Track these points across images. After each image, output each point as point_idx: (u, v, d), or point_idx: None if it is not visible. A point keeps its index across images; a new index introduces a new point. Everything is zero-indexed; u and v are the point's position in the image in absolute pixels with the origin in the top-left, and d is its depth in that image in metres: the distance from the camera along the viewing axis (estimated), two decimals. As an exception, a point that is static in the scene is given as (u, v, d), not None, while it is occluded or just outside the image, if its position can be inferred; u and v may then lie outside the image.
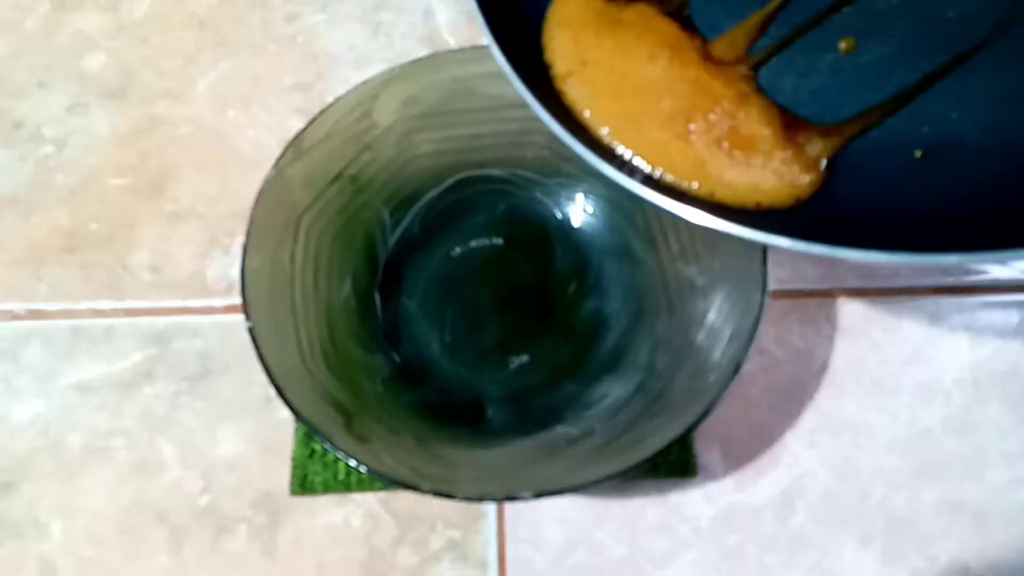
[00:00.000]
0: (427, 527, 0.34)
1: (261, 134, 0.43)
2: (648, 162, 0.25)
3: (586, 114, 0.25)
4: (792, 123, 0.26)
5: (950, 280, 0.39)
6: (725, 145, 0.25)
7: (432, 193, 0.38)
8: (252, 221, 0.31)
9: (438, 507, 0.34)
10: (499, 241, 0.38)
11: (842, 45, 0.27)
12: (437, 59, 0.34)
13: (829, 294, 0.39)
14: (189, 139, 0.43)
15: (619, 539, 0.34)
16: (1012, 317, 0.38)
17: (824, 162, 0.25)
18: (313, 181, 0.34)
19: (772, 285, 0.29)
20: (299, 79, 0.45)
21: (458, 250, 0.38)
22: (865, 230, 0.23)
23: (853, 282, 0.39)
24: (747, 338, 0.29)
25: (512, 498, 0.26)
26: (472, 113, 0.36)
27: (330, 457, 0.35)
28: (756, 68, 0.27)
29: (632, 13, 0.27)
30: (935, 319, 0.38)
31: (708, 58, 0.26)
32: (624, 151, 0.25)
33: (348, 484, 0.34)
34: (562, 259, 0.38)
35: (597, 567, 0.33)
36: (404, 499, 0.35)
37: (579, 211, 0.38)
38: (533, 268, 0.38)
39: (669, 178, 0.24)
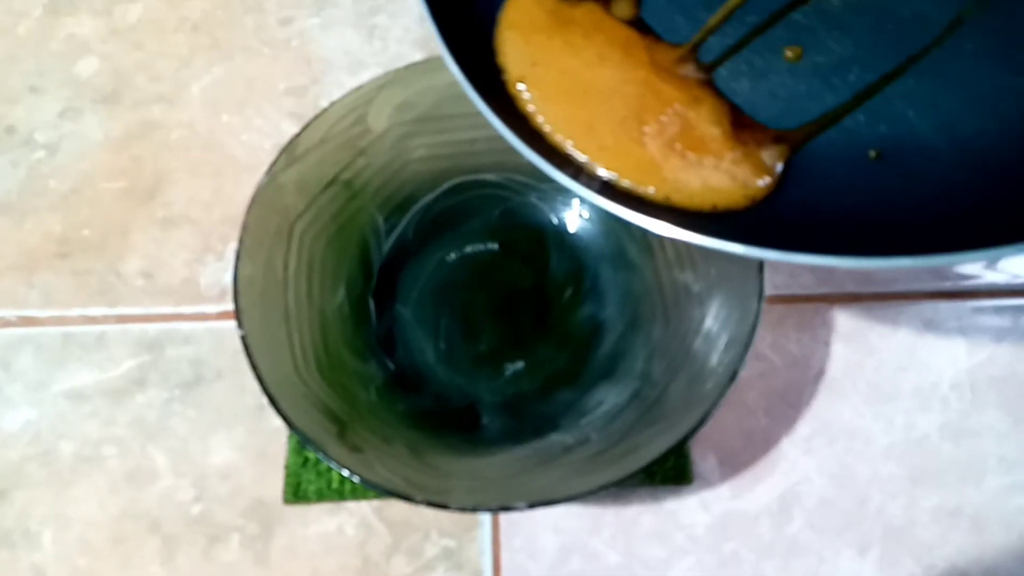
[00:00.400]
0: (421, 536, 0.34)
1: (255, 139, 0.43)
2: (603, 167, 0.24)
3: (539, 120, 0.25)
4: (744, 123, 0.25)
5: (947, 285, 0.39)
6: (678, 147, 0.24)
7: (427, 198, 0.37)
8: (245, 227, 0.31)
9: (433, 516, 0.34)
10: (494, 247, 0.38)
11: (788, 54, 0.26)
12: (432, 64, 0.34)
13: (825, 299, 0.38)
14: (182, 144, 0.43)
15: (614, 547, 0.34)
16: (1009, 322, 0.38)
17: (779, 163, 0.25)
18: (307, 187, 0.34)
19: (768, 291, 0.29)
20: (293, 83, 0.44)
21: (453, 256, 0.38)
22: (824, 234, 0.23)
23: (850, 287, 0.39)
24: (744, 345, 0.29)
25: (506, 508, 0.26)
26: (467, 118, 0.35)
27: (324, 465, 0.34)
28: (711, 69, 0.26)
29: (583, 12, 0.27)
30: (932, 324, 0.38)
31: (659, 58, 0.26)
32: (579, 156, 0.24)
33: (342, 492, 0.34)
34: (558, 265, 0.37)
35: (592, 575, 0.33)
36: (398, 507, 0.34)
37: (575, 216, 0.38)
38: (528, 274, 0.38)
39: (625, 183, 0.24)
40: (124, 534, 0.34)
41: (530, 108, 0.25)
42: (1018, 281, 0.39)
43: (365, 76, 0.34)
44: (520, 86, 0.25)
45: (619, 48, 0.26)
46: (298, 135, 0.33)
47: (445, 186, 0.38)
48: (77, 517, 0.35)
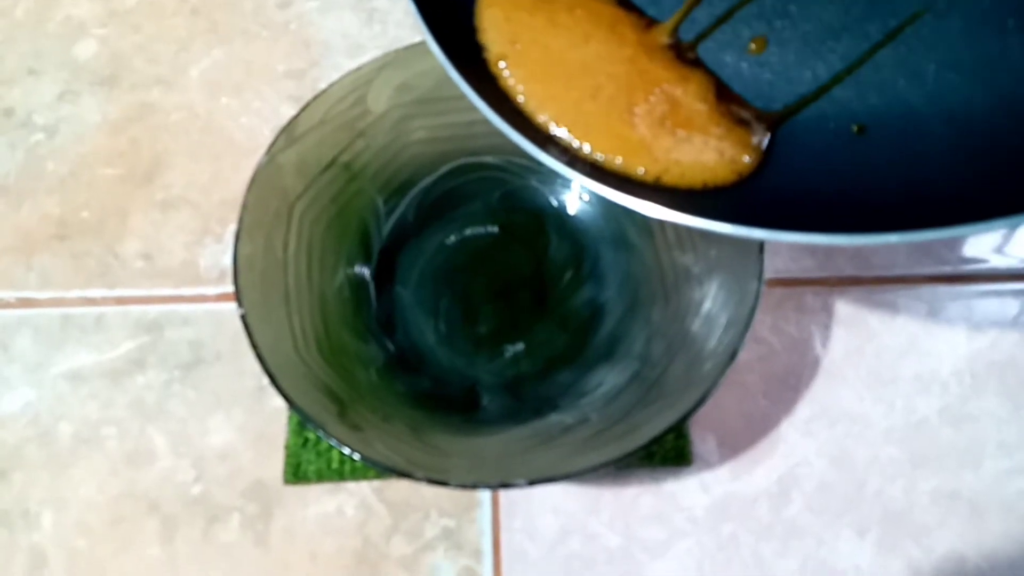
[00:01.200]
0: (421, 516, 0.34)
1: (254, 121, 0.43)
2: (590, 147, 0.24)
3: (520, 99, 0.24)
4: (730, 98, 0.25)
5: (947, 269, 0.39)
6: (666, 125, 0.24)
7: (426, 181, 0.37)
8: (244, 208, 0.31)
9: (432, 496, 0.34)
10: (494, 229, 0.38)
11: (776, 23, 0.26)
12: (431, 45, 0.34)
13: (826, 283, 0.38)
14: (181, 127, 0.43)
15: (613, 528, 0.34)
16: (1009, 307, 0.38)
17: (765, 138, 0.24)
18: (306, 168, 0.33)
19: (768, 274, 0.29)
20: (292, 66, 0.44)
21: (453, 238, 0.38)
22: (812, 210, 0.22)
23: (850, 271, 0.39)
24: (743, 326, 0.29)
25: (506, 485, 0.26)
26: (467, 100, 0.35)
27: (323, 446, 0.34)
28: (696, 43, 0.26)
29: None
30: (932, 308, 0.38)
31: (643, 35, 0.26)
32: (565, 137, 0.24)
33: (342, 473, 0.34)
34: (558, 247, 0.37)
35: (592, 556, 0.33)
36: (398, 488, 0.34)
37: (575, 199, 0.38)
38: (528, 256, 0.37)
39: (614, 164, 0.23)
40: (123, 515, 0.34)
41: (512, 87, 0.25)
42: (1019, 266, 0.39)
43: (364, 59, 0.34)
44: (501, 64, 0.25)
45: (603, 26, 0.26)
46: (297, 116, 0.33)
47: (445, 168, 0.37)
48: (76, 498, 0.35)
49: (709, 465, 0.35)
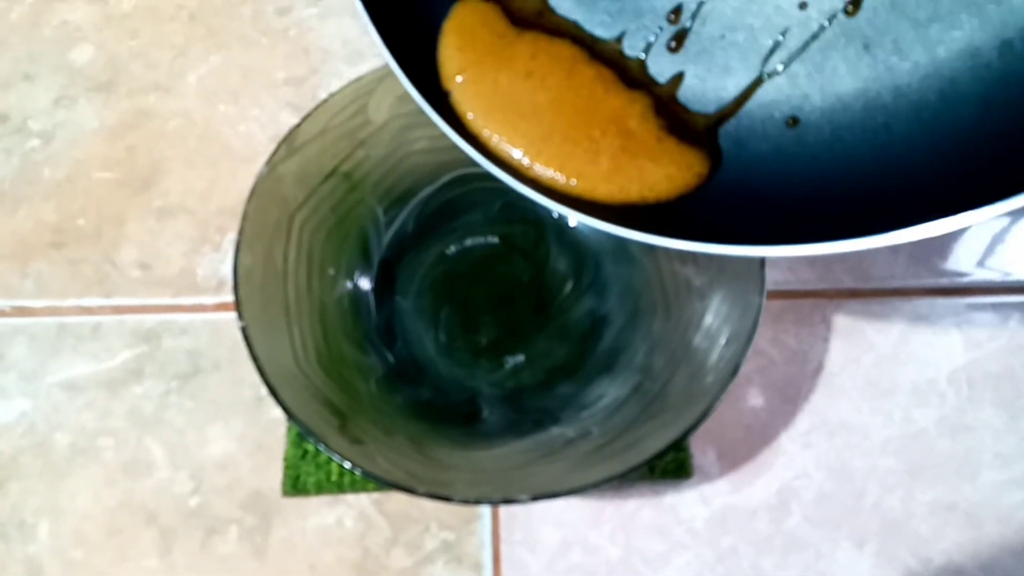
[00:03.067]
0: (421, 528, 0.34)
1: (252, 129, 0.43)
2: (530, 159, 0.24)
3: (469, 116, 0.25)
4: (673, 110, 0.25)
5: (943, 281, 0.39)
6: (606, 141, 0.24)
7: (427, 191, 0.37)
8: (245, 218, 0.31)
9: (432, 508, 0.34)
10: (494, 240, 0.38)
11: (673, 44, 0.26)
12: (433, 55, 0.34)
13: (824, 295, 0.38)
14: (179, 133, 0.43)
15: (614, 541, 0.34)
16: (1006, 318, 0.38)
17: (707, 149, 0.24)
18: (306, 178, 0.33)
19: (768, 286, 0.29)
20: (291, 73, 0.44)
21: (453, 248, 0.38)
22: (761, 219, 0.22)
23: (848, 283, 0.39)
24: (745, 340, 0.29)
25: (509, 501, 0.26)
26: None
27: (323, 458, 0.34)
28: (643, 59, 0.26)
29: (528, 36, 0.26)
30: (929, 320, 0.38)
31: (593, 63, 0.26)
32: (512, 153, 0.24)
33: (341, 485, 0.34)
34: (558, 258, 0.37)
35: (592, 569, 0.33)
36: (397, 500, 0.34)
37: (575, 210, 0.38)
38: (528, 267, 0.37)
39: (548, 173, 0.24)
40: (120, 526, 0.34)
41: (460, 104, 0.25)
42: (1012, 278, 0.39)
43: (364, 67, 0.34)
44: (458, 78, 0.25)
45: (554, 58, 0.26)
46: (298, 126, 0.32)
47: (445, 178, 0.37)
48: (73, 509, 0.34)
49: (709, 478, 0.35)
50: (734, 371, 0.28)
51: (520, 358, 0.36)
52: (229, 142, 0.42)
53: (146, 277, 0.39)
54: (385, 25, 0.25)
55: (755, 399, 0.36)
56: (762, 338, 0.37)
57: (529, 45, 0.25)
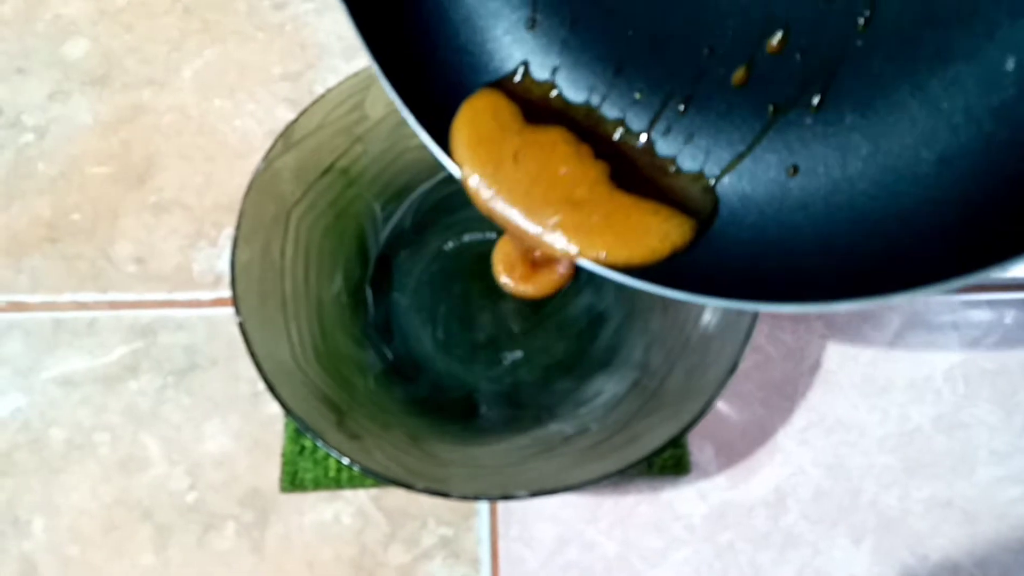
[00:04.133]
0: (419, 524, 0.34)
1: (248, 124, 0.43)
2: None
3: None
4: (668, 175, 0.25)
5: (940, 278, 0.39)
6: (605, 222, 0.24)
7: (424, 186, 0.37)
8: (242, 214, 0.30)
9: (430, 504, 0.34)
10: (492, 235, 0.38)
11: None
12: (431, 50, 0.33)
13: (821, 291, 0.38)
14: (174, 128, 0.42)
15: (611, 537, 0.34)
16: (1001, 316, 0.38)
17: (707, 205, 0.24)
18: (304, 174, 0.33)
19: (767, 283, 0.29)
20: (287, 68, 0.44)
21: (451, 244, 0.38)
22: (761, 276, 0.22)
23: (845, 280, 0.39)
24: (743, 337, 0.29)
25: (508, 497, 0.26)
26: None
27: (320, 453, 0.34)
28: (647, 131, 0.26)
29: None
30: (924, 317, 0.38)
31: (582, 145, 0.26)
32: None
33: (339, 481, 0.34)
34: (555, 254, 0.37)
35: (589, 565, 0.33)
36: (395, 496, 0.34)
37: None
38: (526, 263, 0.37)
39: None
40: (116, 522, 0.34)
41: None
42: (1007, 276, 0.39)
43: (360, 62, 0.34)
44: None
45: (538, 143, 0.26)
46: (295, 121, 0.32)
47: (442, 174, 0.37)
48: (68, 505, 0.34)
49: (707, 474, 0.35)
50: (732, 368, 0.28)
51: (518, 354, 0.36)
52: (225, 137, 0.42)
53: (142, 272, 0.39)
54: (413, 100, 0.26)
55: (752, 396, 0.36)
56: (759, 334, 0.37)
57: (523, 135, 0.26)
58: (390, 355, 0.35)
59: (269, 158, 0.32)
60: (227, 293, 0.38)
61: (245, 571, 0.33)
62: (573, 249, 0.24)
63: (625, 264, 0.24)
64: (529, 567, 0.33)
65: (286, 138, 0.32)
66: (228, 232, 0.40)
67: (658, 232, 0.24)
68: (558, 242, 0.25)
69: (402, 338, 0.36)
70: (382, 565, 0.33)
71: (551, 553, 0.33)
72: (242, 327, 0.29)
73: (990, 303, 0.38)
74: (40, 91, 0.43)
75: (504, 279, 0.32)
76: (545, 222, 0.25)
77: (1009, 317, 0.38)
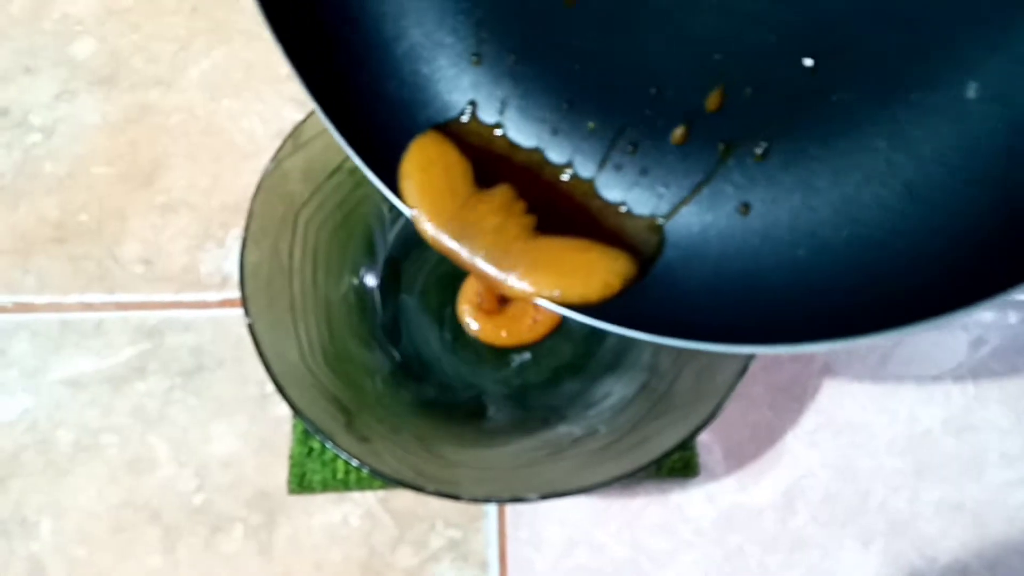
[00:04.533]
0: (427, 526, 0.34)
1: (255, 124, 0.42)
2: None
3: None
4: (615, 221, 0.25)
5: (949, 280, 0.39)
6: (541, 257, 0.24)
7: (432, 187, 0.37)
8: (251, 214, 0.30)
9: (438, 506, 0.34)
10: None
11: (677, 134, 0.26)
12: (440, 51, 0.33)
13: (830, 293, 0.38)
14: (181, 128, 0.42)
15: (620, 539, 0.34)
16: (1011, 318, 0.38)
17: (647, 251, 0.24)
18: (312, 174, 0.33)
19: (776, 284, 0.29)
20: (294, 68, 0.44)
21: (458, 245, 0.38)
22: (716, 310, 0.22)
23: (854, 281, 0.39)
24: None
25: (518, 500, 0.26)
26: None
27: (328, 455, 0.34)
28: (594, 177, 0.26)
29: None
30: (935, 319, 0.38)
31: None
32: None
33: (347, 483, 0.34)
34: (563, 255, 0.37)
35: (598, 567, 0.33)
36: (403, 498, 0.34)
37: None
38: (534, 264, 0.37)
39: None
40: (124, 524, 0.34)
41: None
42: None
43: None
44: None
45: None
46: (303, 121, 0.32)
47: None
48: (75, 507, 0.34)
49: (715, 476, 0.35)
50: (742, 371, 0.28)
51: (526, 356, 0.35)
52: (232, 137, 0.42)
53: (149, 273, 0.39)
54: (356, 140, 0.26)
55: (761, 398, 0.36)
56: (768, 336, 0.37)
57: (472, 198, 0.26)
58: (398, 356, 0.35)
59: (278, 158, 0.31)
60: (234, 294, 0.38)
61: (253, 573, 0.33)
62: (528, 288, 0.24)
63: (581, 301, 0.24)
64: (537, 569, 0.33)
65: (295, 138, 0.32)
66: (235, 233, 0.40)
67: (599, 267, 0.24)
68: (509, 281, 0.25)
69: (410, 339, 0.35)
70: (390, 567, 0.33)
71: (559, 555, 0.33)
72: (251, 328, 0.28)
73: (999, 305, 0.38)
74: (47, 91, 0.43)
75: (468, 319, 0.35)
76: (493, 265, 0.25)
77: (1018, 319, 0.38)
